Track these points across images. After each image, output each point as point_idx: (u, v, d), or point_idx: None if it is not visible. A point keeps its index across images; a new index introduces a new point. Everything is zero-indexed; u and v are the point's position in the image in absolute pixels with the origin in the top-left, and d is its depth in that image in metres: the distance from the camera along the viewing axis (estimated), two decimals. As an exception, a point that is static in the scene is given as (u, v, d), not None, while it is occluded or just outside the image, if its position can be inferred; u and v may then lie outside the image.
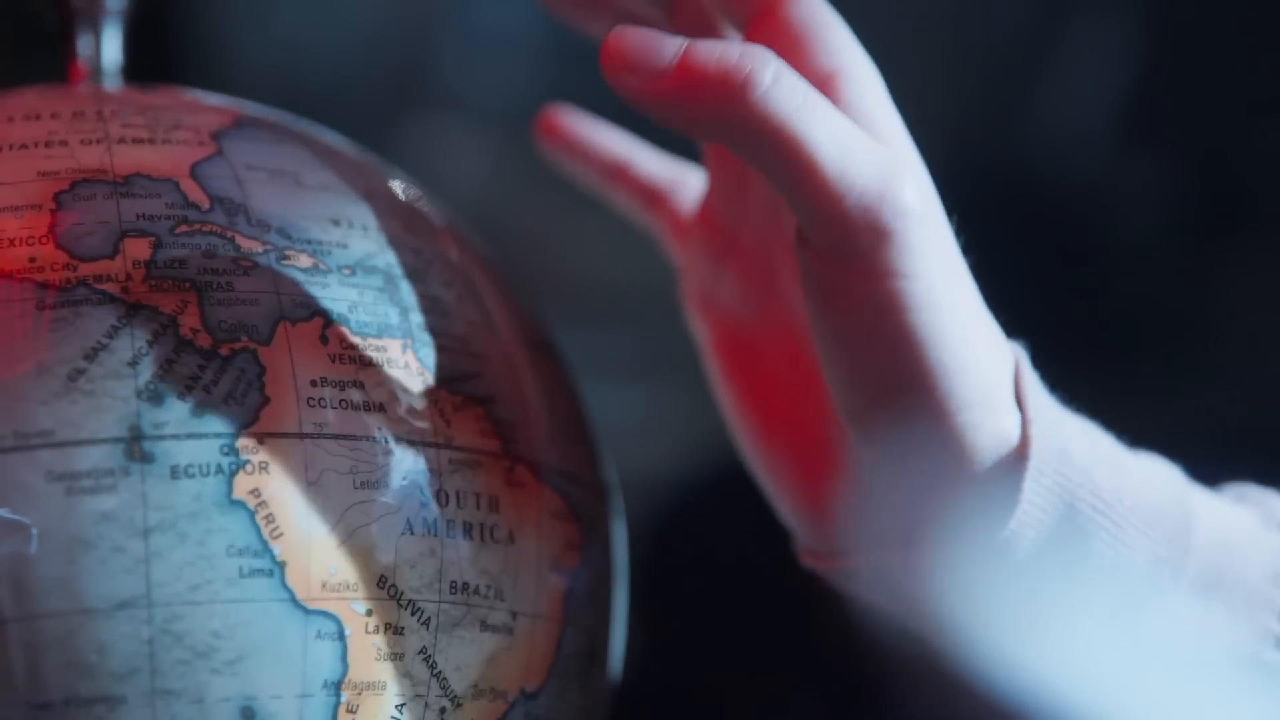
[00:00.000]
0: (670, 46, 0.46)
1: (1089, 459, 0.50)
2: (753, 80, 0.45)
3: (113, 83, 0.55)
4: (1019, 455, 0.49)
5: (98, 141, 0.49)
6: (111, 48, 0.56)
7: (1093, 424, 0.52)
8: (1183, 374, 1.03)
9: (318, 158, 0.51)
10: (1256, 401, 1.01)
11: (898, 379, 0.48)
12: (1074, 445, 0.50)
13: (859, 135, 0.47)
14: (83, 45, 0.56)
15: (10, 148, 0.48)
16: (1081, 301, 1.05)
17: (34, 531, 0.44)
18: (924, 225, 0.47)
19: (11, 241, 0.46)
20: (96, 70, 0.55)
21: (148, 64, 0.58)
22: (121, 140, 0.49)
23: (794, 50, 0.49)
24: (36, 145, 0.48)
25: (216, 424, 0.45)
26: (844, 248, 0.47)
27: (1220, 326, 1.06)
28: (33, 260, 0.46)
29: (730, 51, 0.46)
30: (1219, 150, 1.07)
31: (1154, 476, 0.51)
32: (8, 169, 0.48)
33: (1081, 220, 1.06)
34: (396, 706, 0.46)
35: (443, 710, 0.47)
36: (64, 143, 0.48)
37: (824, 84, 0.49)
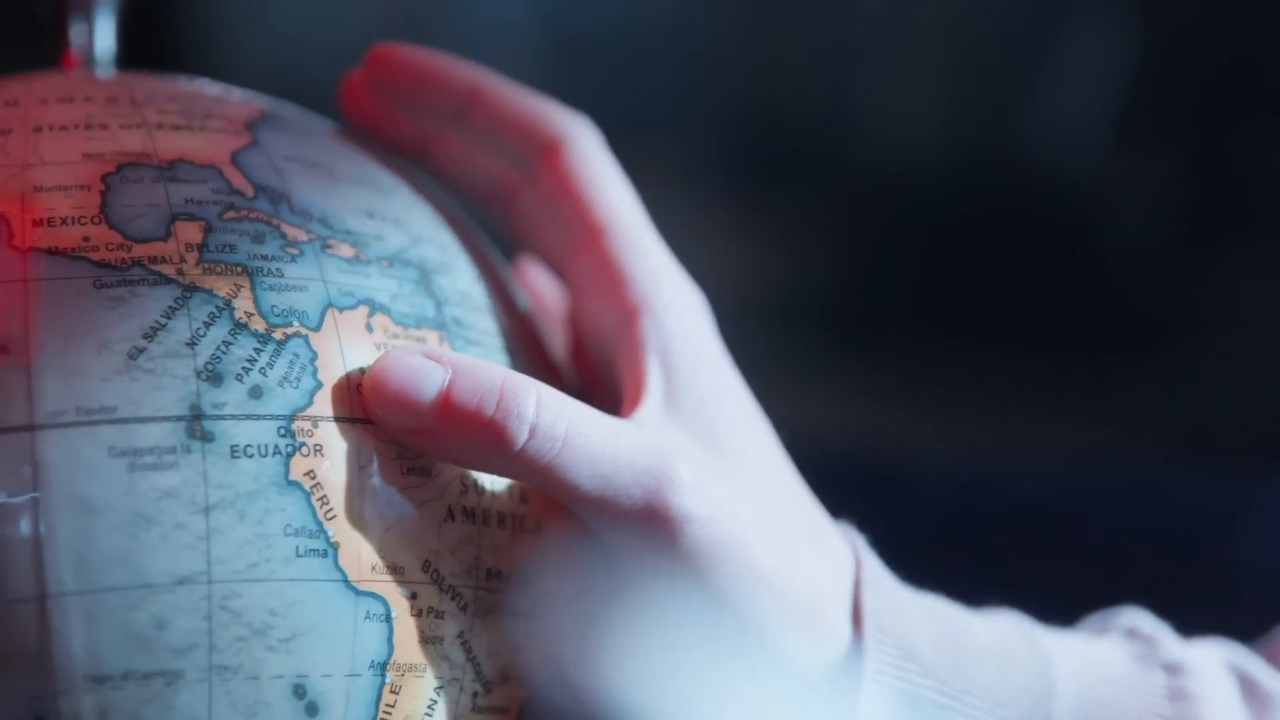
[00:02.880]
0: (430, 386, 0.46)
1: (933, 653, 0.50)
2: (509, 436, 0.46)
3: (106, 72, 0.55)
4: (855, 671, 0.49)
5: (137, 126, 0.49)
6: (105, 37, 0.56)
7: (936, 601, 0.51)
8: (1182, 374, 1.05)
9: (348, 151, 0.52)
10: (1256, 401, 1.03)
11: (714, 639, 0.48)
12: (918, 643, 0.50)
13: (621, 458, 0.47)
14: (75, 34, 0.55)
15: (50, 128, 0.48)
16: (1080, 301, 1.05)
17: (96, 506, 0.44)
18: (706, 522, 0.47)
19: (64, 220, 0.46)
20: (90, 59, 0.55)
21: (142, 54, 0.58)
22: (160, 126, 0.49)
23: (566, 203, 0.51)
24: (77, 127, 0.48)
25: (273, 406, 0.45)
26: (626, 554, 0.48)
27: (1219, 326, 1.08)
28: (86, 240, 0.46)
29: (489, 398, 0.46)
30: (1217, 149, 1.09)
31: (1006, 649, 0.51)
32: (52, 149, 0.47)
33: (1080, 219, 1.07)
34: (434, 689, 0.47)
35: (475, 694, 0.48)
36: (104, 126, 0.48)
37: (592, 237, 0.51)
